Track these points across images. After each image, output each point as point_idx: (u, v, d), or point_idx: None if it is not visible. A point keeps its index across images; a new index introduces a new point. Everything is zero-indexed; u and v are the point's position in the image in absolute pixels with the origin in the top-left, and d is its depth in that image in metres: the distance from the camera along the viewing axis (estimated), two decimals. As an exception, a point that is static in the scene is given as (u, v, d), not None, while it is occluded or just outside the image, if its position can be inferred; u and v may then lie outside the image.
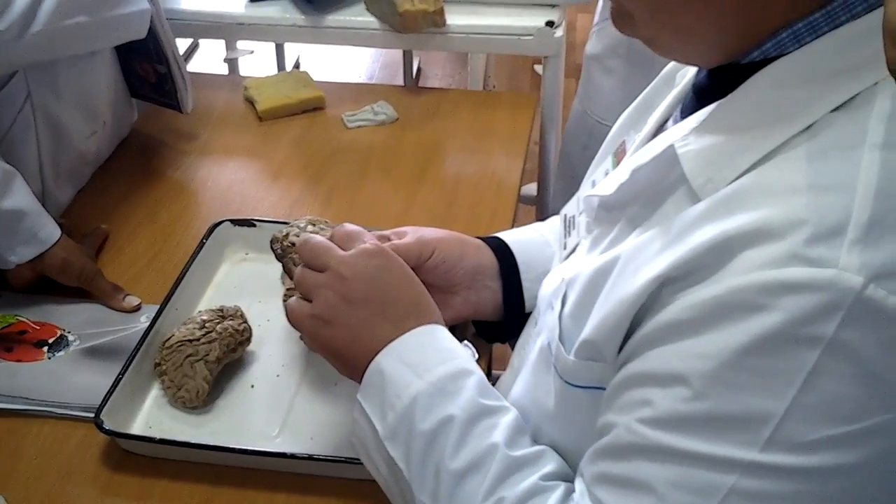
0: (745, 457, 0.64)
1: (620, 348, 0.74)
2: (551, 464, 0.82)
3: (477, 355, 0.99)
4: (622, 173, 0.81)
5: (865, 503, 0.65)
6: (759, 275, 0.63)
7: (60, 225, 1.25)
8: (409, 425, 0.82)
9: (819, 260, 0.62)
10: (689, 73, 0.88)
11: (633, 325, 0.73)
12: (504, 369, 1.08)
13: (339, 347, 0.90)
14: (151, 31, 1.39)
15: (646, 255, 0.72)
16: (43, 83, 1.32)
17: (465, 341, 0.99)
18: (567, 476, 0.82)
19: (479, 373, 0.87)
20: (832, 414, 0.63)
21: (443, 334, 0.90)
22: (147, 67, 1.48)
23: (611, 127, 1.01)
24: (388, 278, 0.91)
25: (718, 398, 0.65)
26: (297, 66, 3.34)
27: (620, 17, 0.78)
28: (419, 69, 3.48)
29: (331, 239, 0.94)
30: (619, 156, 0.93)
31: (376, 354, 0.86)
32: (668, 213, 0.74)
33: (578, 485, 0.76)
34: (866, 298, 0.62)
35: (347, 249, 0.92)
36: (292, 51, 3.23)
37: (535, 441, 0.88)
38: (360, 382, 0.88)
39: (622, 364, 0.73)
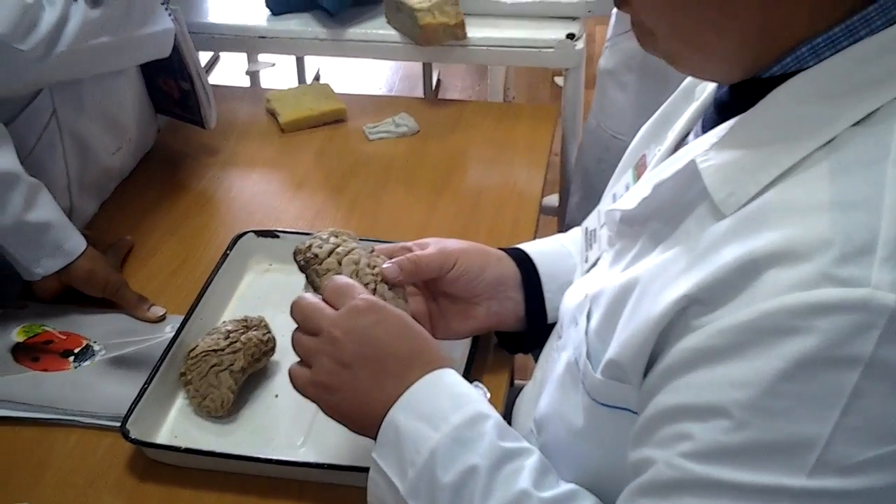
0: (793, 484, 0.63)
1: (646, 372, 0.73)
2: (583, 501, 0.82)
3: (489, 395, 0.98)
4: (644, 188, 0.81)
5: None
6: (790, 297, 0.63)
7: (85, 236, 1.27)
8: (431, 480, 0.81)
9: (850, 279, 0.62)
10: (709, 87, 0.88)
11: (657, 347, 0.72)
12: (526, 379, 1.08)
13: (347, 411, 0.89)
14: (175, 48, 1.40)
15: (670, 274, 0.72)
16: (68, 100, 1.33)
17: (476, 382, 0.99)
18: None
19: (496, 415, 0.85)
20: (877, 433, 0.62)
21: (452, 379, 0.88)
22: (171, 83, 1.49)
23: (625, 141, 1.01)
24: (381, 333, 0.89)
25: (760, 426, 0.64)
26: (317, 78, 3.36)
27: (642, 34, 0.78)
28: (439, 81, 3.49)
29: (323, 295, 0.93)
30: (639, 169, 0.94)
31: (388, 410, 0.85)
32: (690, 230, 0.74)
33: None
34: None
35: (339, 306, 0.90)
36: (312, 63, 3.25)
37: (559, 456, 0.88)
38: (374, 439, 0.87)
39: (650, 392, 0.72)
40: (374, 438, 0.86)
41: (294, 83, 2.75)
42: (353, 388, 0.87)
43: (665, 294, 0.70)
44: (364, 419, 0.88)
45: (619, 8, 0.79)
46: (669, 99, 0.96)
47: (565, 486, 0.83)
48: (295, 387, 0.92)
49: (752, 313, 0.64)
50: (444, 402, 0.85)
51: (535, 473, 0.81)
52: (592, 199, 1.03)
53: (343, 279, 0.94)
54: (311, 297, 0.93)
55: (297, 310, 0.92)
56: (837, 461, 0.62)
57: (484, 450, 0.81)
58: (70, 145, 1.35)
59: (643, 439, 0.72)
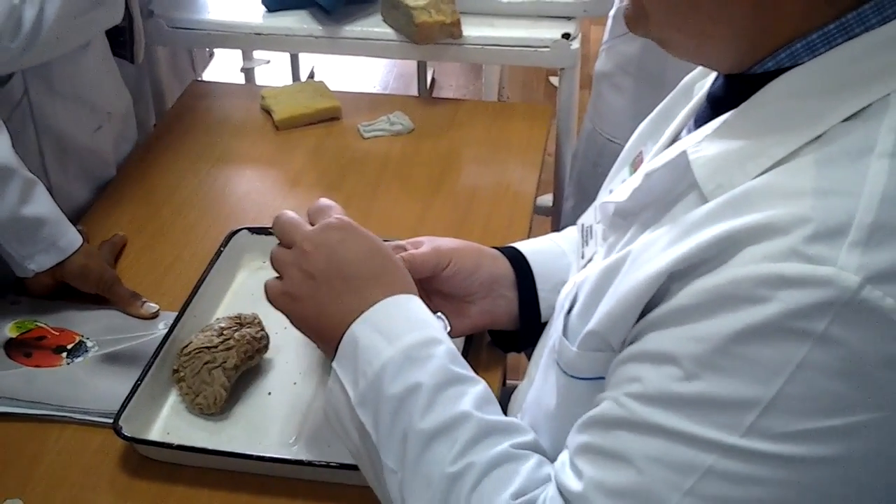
0: (726, 440, 0.66)
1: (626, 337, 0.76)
2: (524, 435, 0.83)
3: (449, 328, 1.02)
4: (636, 180, 0.83)
5: (840, 499, 0.66)
6: (759, 267, 0.65)
7: (80, 232, 1.26)
8: (378, 391, 0.83)
9: (818, 257, 0.63)
10: (706, 86, 0.89)
11: (641, 317, 0.74)
12: (519, 379, 1.08)
13: (310, 321, 0.92)
14: None
15: (654, 251, 0.73)
16: (38, 81, 1.34)
17: (439, 313, 1.01)
18: (538, 449, 0.83)
19: (450, 343, 0.88)
20: (816, 407, 0.64)
21: (416, 304, 0.90)
22: None
23: (621, 145, 1.01)
24: (348, 250, 0.91)
25: (707, 381, 0.66)
26: (311, 76, 3.35)
27: (636, 16, 0.79)
28: (433, 80, 3.49)
29: (308, 214, 0.96)
30: (636, 165, 0.94)
31: (350, 324, 0.87)
32: (677, 215, 0.75)
33: (563, 455, 0.77)
34: (861, 298, 0.63)
35: (317, 223, 0.94)
36: (307, 61, 3.24)
37: (542, 441, 0.88)
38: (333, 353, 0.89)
39: (625, 348, 0.75)
40: (334, 350, 0.88)
41: (288, 80, 2.75)
42: (316, 300, 0.90)
43: (648, 267, 0.72)
44: (323, 330, 0.90)
45: None
46: (668, 97, 0.97)
47: (507, 418, 0.85)
48: (268, 298, 0.95)
49: (721, 279, 0.67)
50: (403, 322, 0.88)
51: (478, 400, 0.83)
52: (587, 203, 1.03)
53: (326, 200, 0.97)
54: (292, 214, 0.96)
55: (276, 224, 0.95)
56: (772, 427, 0.65)
57: (432, 370, 0.83)
58: (42, 125, 1.36)
59: (606, 382, 0.76)
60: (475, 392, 0.84)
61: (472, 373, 0.87)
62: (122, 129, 1.55)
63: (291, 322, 0.94)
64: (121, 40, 1.52)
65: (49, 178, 1.38)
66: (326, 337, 0.90)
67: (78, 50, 1.40)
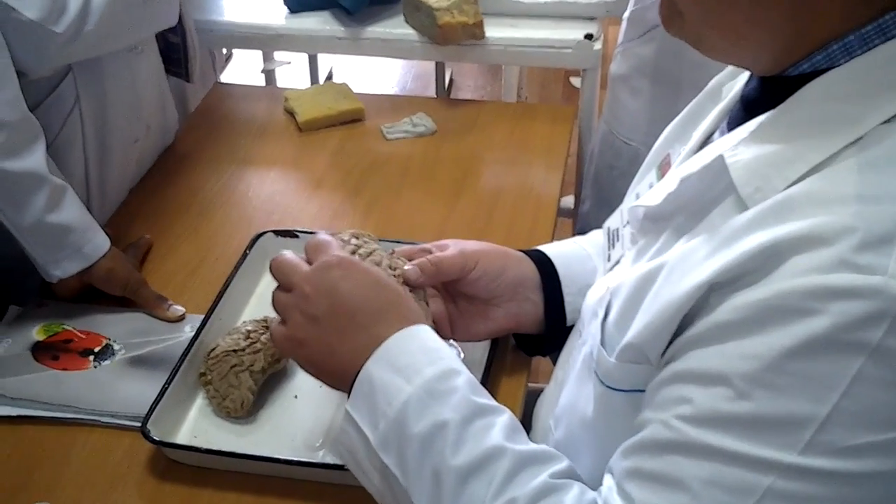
0: (783, 459, 0.64)
1: (665, 351, 0.74)
2: (559, 462, 0.81)
3: (463, 354, 1.00)
4: (669, 183, 0.82)
5: None
6: (807, 280, 0.64)
7: (107, 235, 1.27)
8: (401, 431, 0.81)
9: (867, 267, 0.63)
10: (735, 87, 0.88)
11: (679, 329, 0.73)
12: (545, 382, 1.08)
13: (320, 364, 0.90)
14: None
15: (693, 261, 0.72)
16: (91, 87, 1.34)
17: (451, 340, 0.99)
18: (576, 476, 0.81)
19: (467, 372, 0.86)
20: (873, 420, 0.63)
21: (427, 334, 0.88)
22: (157, 36, 1.50)
23: (637, 147, 1.01)
24: (349, 288, 0.89)
25: (760, 399, 0.65)
26: (329, 77, 3.36)
27: (670, 16, 0.78)
28: (451, 80, 3.49)
29: (305, 251, 0.94)
30: (663, 168, 0.94)
31: (362, 363, 0.85)
32: (715, 222, 0.74)
33: (607, 480, 0.75)
34: None
35: (315, 261, 0.92)
36: (325, 62, 3.24)
37: (573, 448, 0.88)
38: (348, 392, 0.87)
39: (665, 364, 0.73)
40: (348, 391, 0.86)
41: (307, 82, 2.75)
42: (323, 342, 0.88)
43: (688, 279, 0.71)
44: (335, 372, 0.89)
45: None
46: (695, 99, 0.96)
47: (538, 445, 0.83)
48: (274, 344, 0.94)
49: (768, 292, 0.66)
50: (419, 356, 0.85)
51: (506, 430, 0.81)
52: (603, 205, 1.03)
53: (322, 236, 0.95)
54: (290, 254, 0.94)
55: (274, 267, 0.94)
56: (830, 443, 0.64)
57: (455, 403, 0.81)
58: (91, 134, 1.36)
59: (647, 402, 0.74)
60: (502, 422, 0.82)
61: (493, 401, 0.85)
62: (155, 142, 1.54)
63: (300, 366, 0.92)
64: (175, 58, 1.52)
65: (89, 187, 1.38)
66: (338, 379, 0.88)
67: (131, 56, 1.40)
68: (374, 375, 0.84)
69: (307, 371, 0.92)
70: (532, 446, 0.82)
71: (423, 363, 0.84)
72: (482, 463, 0.78)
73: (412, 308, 0.92)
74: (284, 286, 0.92)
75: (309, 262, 0.92)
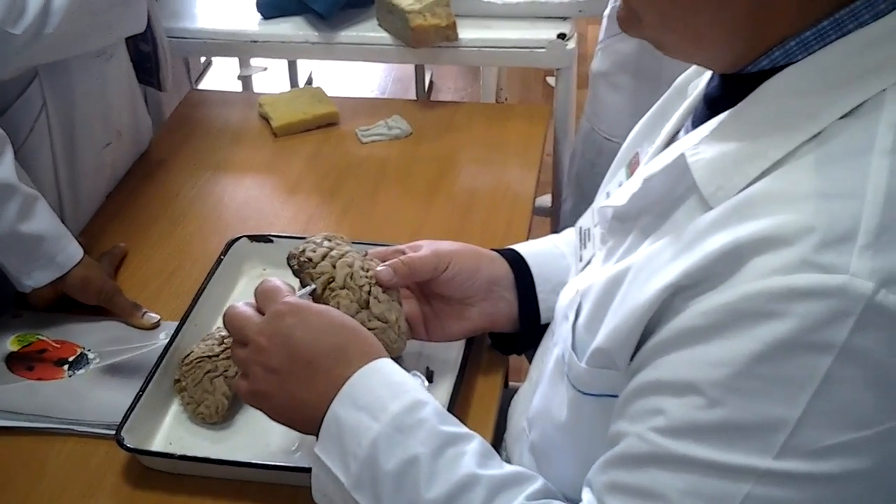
0: (759, 464, 0.64)
1: (633, 356, 0.74)
2: (534, 482, 0.81)
3: (427, 384, 0.98)
4: (634, 183, 0.82)
5: None
6: (770, 281, 0.64)
7: (80, 244, 1.26)
8: (373, 470, 0.81)
9: (830, 266, 0.63)
10: (700, 85, 0.89)
11: (645, 333, 0.73)
12: (521, 381, 1.08)
13: (287, 413, 0.90)
14: None
15: (657, 264, 0.72)
16: (59, 92, 1.34)
17: (414, 371, 0.98)
18: (552, 494, 0.81)
19: (433, 401, 0.85)
20: (846, 420, 0.63)
21: (389, 367, 0.88)
22: (128, 43, 1.49)
23: (619, 144, 1.01)
24: (303, 334, 0.88)
25: (732, 406, 0.65)
26: (309, 82, 3.35)
27: (628, 18, 0.78)
28: (431, 83, 3.49)
29: (255, 299, 0.93)
30: (632, 167, 0.94)
31: (328, 407, 0.85)
32: (679, 222, 0.74)
33: (586, 495, 0.75)
34: (877, 304, 0.62)
35: (266, 310, 0.91)
36: (305, 67, 3.24)
37: (547, 452, 0.88)
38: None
39: (635, 372, 0.73)
40: (316, 435, 0.86)
41: (286, 87, 2.75)
42: (287, 392, 0.88)
43: (652, 282, 0.71)
44: (304, 420, 0.88)
45: None
46: (663, 97, 0.97)
47: (511, 467, 0.83)
48: (240, 397, 0.94)
49: (732, 295, 0.65)
50: (382, 391, 0.85)
51: (477, 456, 0.81)
52: (585, 204, 1.03)
53: (271, 282, 0.94)
54: (240, 307, 0.93)
55: (227, 321, 0.93)
56: (805, 445, 0.64)
57: (424, 437, 0.81)
58: (59, 139, 1.35)
59: (620, 413, 0.73)
60: (473, 449, 0.82)
61: (463, 428, 0.85)
62: (128, 147, 1.54)
63: (269, 417, 0.92)
64: (147, 67, 1.52)
65: (60, 194, 1.38)
66: (308, 425, 0.88)
67: (100, 61, 1.39)
68: (340, 416, 0.84)
69: (276, 421, 0.92)
70: (506, 469, 0.82)
71: (388, 398, 0.84)
72: (457, 493, 0.79)
73: (371, 342, 0.91)
74: (239, 340, 0.92)
75: (260, 311, 0.91)
